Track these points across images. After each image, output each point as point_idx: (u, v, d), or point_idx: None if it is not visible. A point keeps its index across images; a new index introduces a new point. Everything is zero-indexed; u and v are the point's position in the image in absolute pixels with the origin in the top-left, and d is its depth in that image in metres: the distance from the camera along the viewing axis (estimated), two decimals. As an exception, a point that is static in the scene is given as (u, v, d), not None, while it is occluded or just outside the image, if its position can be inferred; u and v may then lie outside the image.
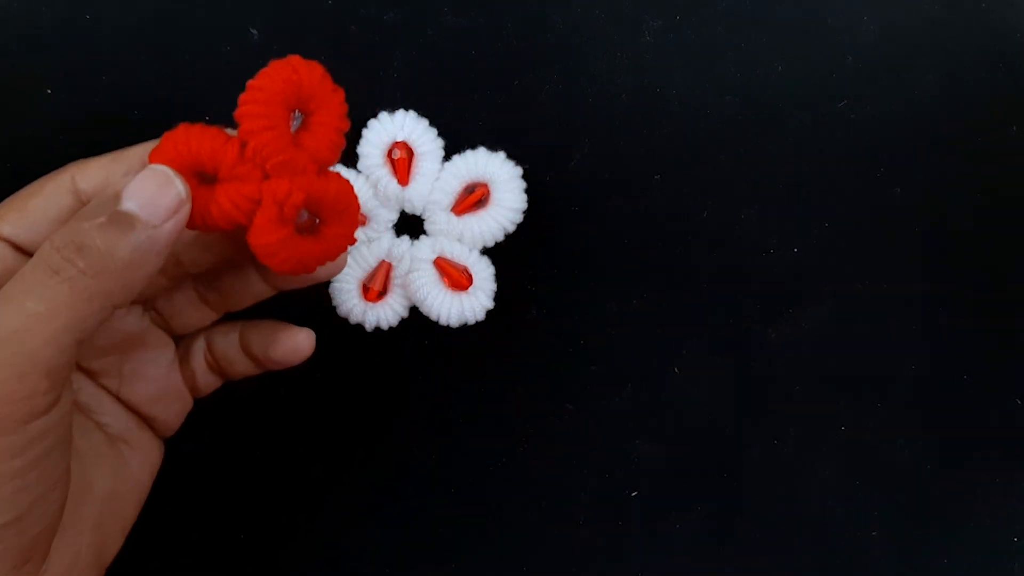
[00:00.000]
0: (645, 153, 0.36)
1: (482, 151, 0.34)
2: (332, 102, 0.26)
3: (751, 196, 0.36)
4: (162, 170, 0.23)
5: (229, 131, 0.26)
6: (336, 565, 0.35)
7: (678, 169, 0.36)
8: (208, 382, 0.31)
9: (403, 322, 0.35)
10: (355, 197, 0.27)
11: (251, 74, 0.26)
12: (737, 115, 0.36)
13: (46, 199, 0.26)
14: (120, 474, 0.28)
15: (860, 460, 0.36)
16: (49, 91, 0.35)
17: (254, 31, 0.35)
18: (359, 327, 0.34)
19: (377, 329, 0.34)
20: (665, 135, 0.36)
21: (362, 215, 0.33)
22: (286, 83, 0.25)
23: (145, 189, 0.23)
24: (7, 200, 0.27)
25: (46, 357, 0.22)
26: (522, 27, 0.35)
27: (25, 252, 0.26)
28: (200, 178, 0.25)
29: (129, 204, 0.22)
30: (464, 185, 0.34)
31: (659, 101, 0.36)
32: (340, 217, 0.27)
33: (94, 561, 0.27)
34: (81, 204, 0.26)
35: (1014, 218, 0.36)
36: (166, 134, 0.25)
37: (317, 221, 0.27)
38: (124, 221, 0.22)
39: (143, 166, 0.25)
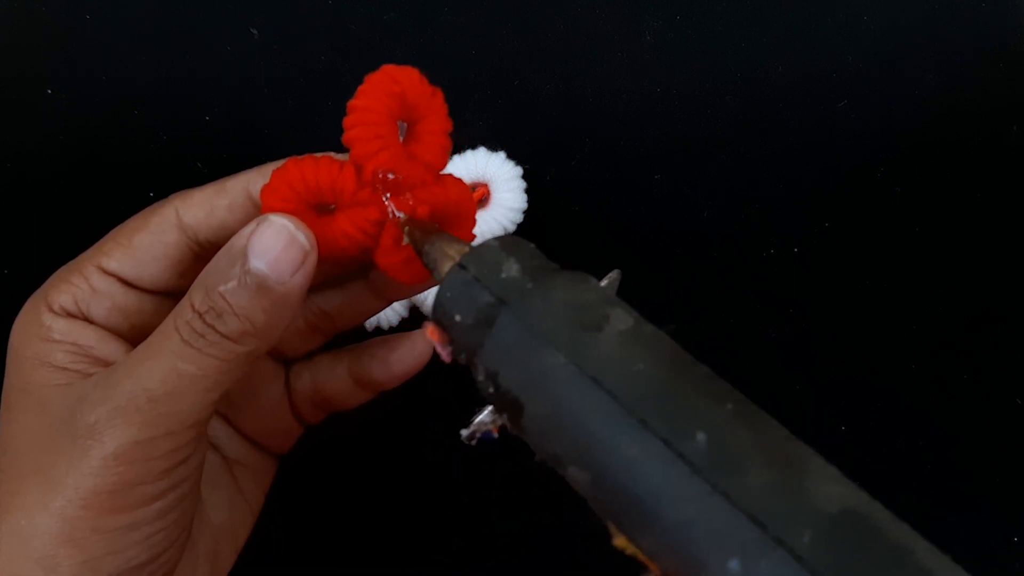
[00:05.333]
0: (645, 153, 0.36)
1: (482, 151, 0.34)
2: (434, 106, 0.25)
3: (751, 196, 0.36)
4: (283, 223, 0.23)
5: (337, 156, 0.25)
6: (327, 555, 0.35)
7: (678, 169, 0.36)
8: (316, 415, 0.31)
9: (403, 322, 0.35)
10: (471, 197, 0.26)
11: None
12: (737, 115, 0.36)
13: (151, 234, 0.26)
14: (234, 501, 0.29)
15: (860, 460, 0.36)
16: (49, 91, 0.35)
17: (254, 31, 0.35)
18: (360, 327, 0.34)
19: (377, 329, 0.34)
20: (665, 135, 0.36)
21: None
22: (390, 97, 0.24)
23: (270, 247, 0.23)
24: (111, 234, 0.26)
25: (193, 415, 0.23)
26: (522, 27, 0.35)
27: (133, 287, 0.26)
28: (317, 209, 0.24)
29: (257, 264, 0.22)
30: (464, 185, 0.34)
31: (659, 101, 0.36)
32: (461, 220, 0.26)
33: None
34: (186, 238, 0.26)
35: (1014, 218, 0.36)
36: (276, 171, 0.24)
37: None
38: (255, 283, 0.22)
39: (247, 197, 0.25)
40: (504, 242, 0.21)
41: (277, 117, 0.36)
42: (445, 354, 0.21)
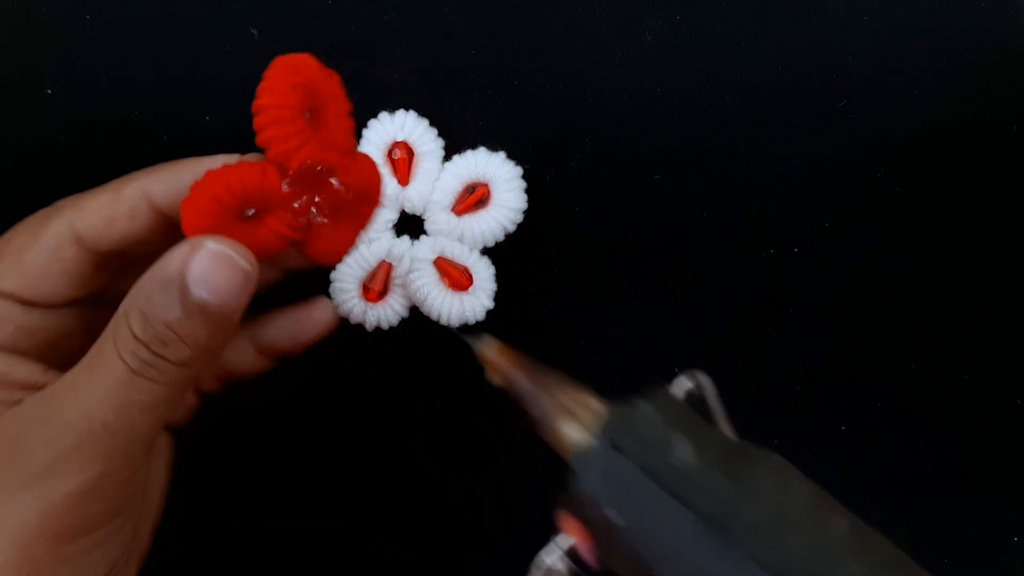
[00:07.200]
0: (645, 153, 0.36)
1: (482, 151, 0.34)
2: (333, 89, 0.25)
3: (751, 196, 0.36)
4: (220, 250, 0.22)
5: (250, 157, 0.25)
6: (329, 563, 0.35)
7: (678, 169, 0.36)
8: (213, 385, 0.31)
9: (403, 322, 0.35)
10: (376, 167, 0.28)
11: (251, 74, 0.26)
12: (737, 115, 0.36)
13: (46, 252, 0.25)
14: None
15: (860, 460, 0.36)
16: (49, 91, 0.35)
17: (254, 31, 0.35)
18: (359, 327, 0.34)
19: (377, 329, 0.34)
20: (665, 135, 0.36)
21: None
22: (294, 89, 0.24)
23: (211, 273, 0.22)
24: None
25: (149, 437, 0.23)
26: (522, 27, 0.35)
27: (32, 304, 0.25)
28: (240, 216, 0.24)
29: (200, 292, 0.22)
30: (464, 185, 0.34)
31: (659, 101, 0.36)
32: (374, 193, 0.27)
33: (134, 570, 0.27)
34: (85, 250, 0.25)
35: (1014, 218, 0.36)
36: (195, 185, 0.23)
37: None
38: (199, 311, 0.22)
39: (147, 203, 0.25)
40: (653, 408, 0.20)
41: (277, 117, 0.36)
42: (591, 559, 0.19)
